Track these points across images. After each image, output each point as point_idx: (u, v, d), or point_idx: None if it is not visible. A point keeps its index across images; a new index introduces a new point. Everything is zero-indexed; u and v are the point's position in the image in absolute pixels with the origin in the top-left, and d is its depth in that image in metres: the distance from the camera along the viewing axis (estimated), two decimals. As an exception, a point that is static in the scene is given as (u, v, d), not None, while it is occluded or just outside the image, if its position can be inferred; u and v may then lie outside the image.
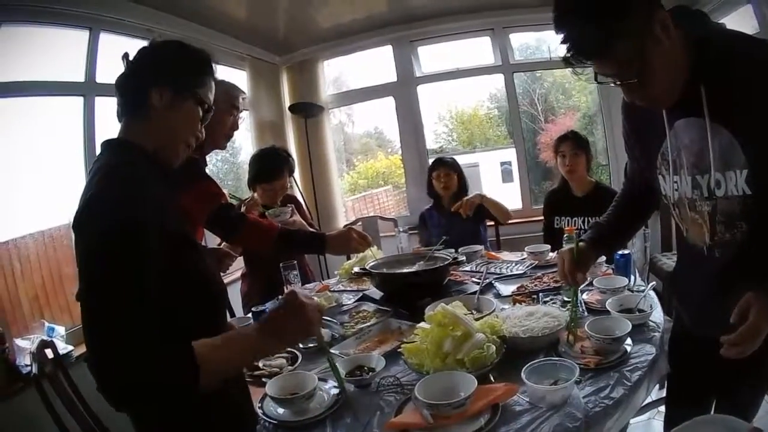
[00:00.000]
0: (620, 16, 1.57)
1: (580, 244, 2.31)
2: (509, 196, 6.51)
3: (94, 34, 4.29)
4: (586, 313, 2.61)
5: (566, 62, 1.71)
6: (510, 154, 7.04)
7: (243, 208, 3.88)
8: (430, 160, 6.41)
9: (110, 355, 1.33)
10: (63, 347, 3.43)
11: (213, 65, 1.85)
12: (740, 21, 4.85)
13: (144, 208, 1.48)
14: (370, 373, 2.21)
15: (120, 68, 1.76)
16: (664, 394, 3.07)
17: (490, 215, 4.81)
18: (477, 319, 2.37)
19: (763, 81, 1.60)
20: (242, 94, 3.29)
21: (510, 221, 4.88)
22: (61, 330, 3.73)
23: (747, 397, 2.14)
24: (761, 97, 1.61)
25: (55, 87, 4.12)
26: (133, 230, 1.42)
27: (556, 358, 2.11)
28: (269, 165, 4.38)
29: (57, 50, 4.21)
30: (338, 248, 3.38)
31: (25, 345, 3.42)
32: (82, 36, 4.27)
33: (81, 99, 4.26)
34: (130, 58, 1.75)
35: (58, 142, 4.22)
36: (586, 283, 2.92)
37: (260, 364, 2.45)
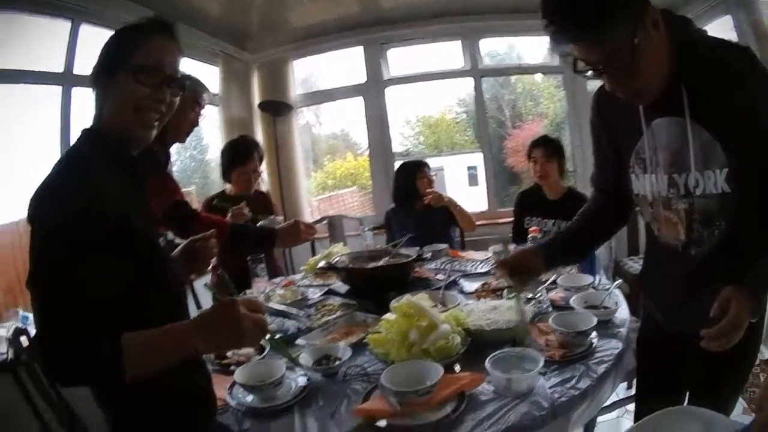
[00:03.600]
0: (614, 2, 1.59)
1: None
2: (475, 199, 6.55)
3: (75, 25, 4.30)
4: (551, 310, 2.64)
5: (553, 47, 1.72)
6: (476, 159, 7.07)
7: (229, 216, 3.87)
8: (396, 163, 6.44)
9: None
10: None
11: (162, 24, 1.74)
12: (719, 30, 4.97)
13: (91, 199, 1.47)
14: (337, 362, 2.22)
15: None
16: (631, 393, 3.12)
17: (456, 222, 4.85)
18: (442, 312, 2.38)
19: (742, 83, 1.65)
20: (206, 92, 3.31)
21: (473, 227, 4.89)
22: (35, 319, 3.68)
23: (723, 395, 2.09)
24: (741, 98, 1.65)
25: (34, 76, 4.12)
26: (75, 220, 1.43)
27: (520, 348, 2.12)
28: (241, 149, 4.48)
29: (38, 40, 4.20)
30: (288, 240, 3.35)
31: (0, 333, 3.38)
32: (63, 26, 4.26)
33: (59, 89, 4.25)
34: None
35: (34, 132, 4.19)
36: (550, 281, 2.96)
37: (228, 354, 2.45)
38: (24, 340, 2.36)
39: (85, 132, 1.68)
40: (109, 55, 1.69)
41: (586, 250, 2.60)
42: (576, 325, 2.24)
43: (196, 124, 3.18)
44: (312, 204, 7.48)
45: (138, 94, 1.66)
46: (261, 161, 4.56)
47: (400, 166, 5.10)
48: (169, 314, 1.64)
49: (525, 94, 8.40)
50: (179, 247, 2.18)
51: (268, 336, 1.75)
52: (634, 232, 5.24)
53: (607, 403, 2.74)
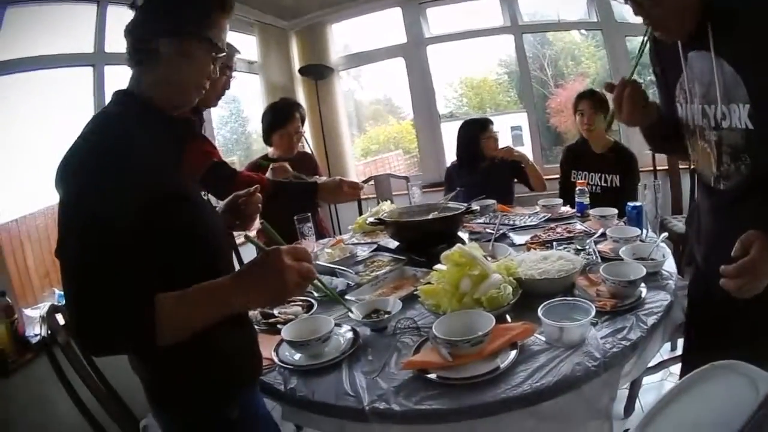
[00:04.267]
0: None
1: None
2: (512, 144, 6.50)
3: (101, 8, 4.30)
4: (600, 261, 2.61)
5: None
6: (521, 119, 7.01)
7: (270, 171, 3.84)
8: (443, 125, 6.38)
9: (78, 305, 1.35)
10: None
11: (227, 2, 1.75)
12: None
13: (120, 162, 1.44)
14: (386, 316, 2.21)
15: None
16: (675, 354, 3.08)
17: (524, 179, 4.82)
18: (493, 263, 2.36)
19: (765, 21, 1.64)
20: (237, 53, 3.27)
21: (544, 186, 4.82)
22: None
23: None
24: (763, 35, 1.64)
25: (65, 59, 4.13)
26: (110, 180, 1.41)
27: (572, 299, 2.10)
28: (281, 109, 4.44)
29: (65, 26, 4.22)
30: (329, 197, 3.32)
31: (34, 315, 3.42)
32: (90, 10, 4.27)
33: (91, 69, 4.27)
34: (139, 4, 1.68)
35: (69, 116, 4.18)
36: (599, 234, 2.93)
37: (276, 312, 2.46)
38: (60, 318, 2.37)
39: (120, 93, 1.66)
40: (179, 19, 1.66)
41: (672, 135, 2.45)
42: (626, 275, 2.23)
43: (227, 87, 3.16)
44: (357, 169, 7.44)
45: (208, 68, 1.72)
46: (303, 121, 4.51)
47: (464, 124, 5.00)
48: (214, 270, 1.58)
49: (565, 53, 8.29)
50: (223, 203, 2.17)
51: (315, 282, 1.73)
52: (678, 192, 5.20)
53: (652, 363, 2.70)
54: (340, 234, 4.60)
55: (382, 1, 6.66)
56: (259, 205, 2.19)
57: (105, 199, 1.38)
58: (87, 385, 2.16)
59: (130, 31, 1.67)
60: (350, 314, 2.23)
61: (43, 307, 2.29)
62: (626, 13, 6.14)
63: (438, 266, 2.33)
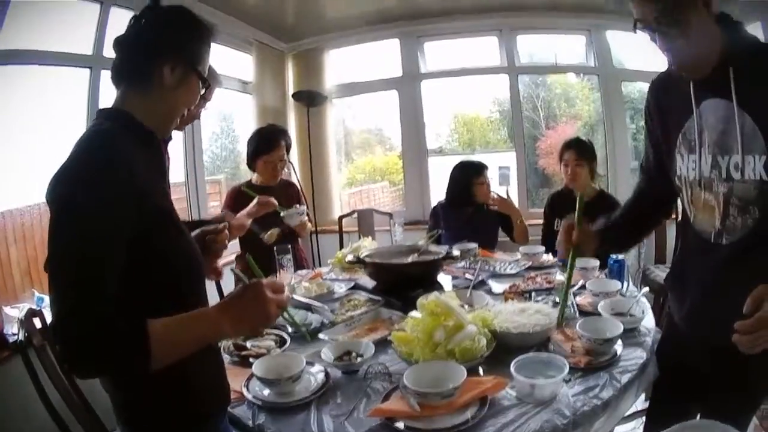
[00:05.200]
0: None
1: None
2: (509, 193, 6.50)
3: (105, 8, 4.28)
4: (577, 315, 2.61)
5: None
6: (509, 158, 7.01)
7: (255, 202, 3.81)
8: (430, 158, 6.39)
9: (64, 326, 1.32)
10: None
11: (214, 33, 1.76)
12: None
13: (117, 176, 1.43)
14: (359, 359, 2.20)
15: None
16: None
17: (509, 231, 4.81)
18: (469, 312, 2.36)
19: None
20: (219, 86, 3.26)
21: (526, 242, 4.73)
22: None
23: (734, 413, 2.00)
24: None
25: (63, 57, 4.09)
26: (101, 197, 1.39)
27: (546, 354, 2.10)
28: (267, 136, 4.41)
29: (67, 22, 4.19)
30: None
31: (13, 313, 3.40)
32: (93, 9, 4.25)
33: (87, 71, 4.25)
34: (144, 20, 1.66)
35: (61, 114, 4.18)
36: (579, 286, 2.92)
37: (248, 345, 2.44)
38: (37, 322, 2.35)
39: (106, 112, 1.64)
40: (184, 47, 1.66)
41: (634, 237, 2.63)
42: (603, 332, 2.22)
43: (198, 117, 3.12)
44: (342, 198, 7.45)
45: (196, 100, 1.75)
46: (288, 149, 4.47)
47: (459, 165, 4.96)
48: (193, 295, 1.66)
49: (560, 94, 8.33)
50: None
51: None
52: (662, 240, 5.21)
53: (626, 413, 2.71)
54: (320, 266, 4.61)
55: (381, 31, 6.68)
56: (226, 242, 2.18)
57: (96, 218, 1.37)
58: (59, 393, 2.17)
59: (124, 46, 1.66)
60: (322, 355, 2.22)
61: (23, 309, 2.29)
62: (624, 59, 6.27)
63: (413, 313, 2.32)
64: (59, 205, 1.41)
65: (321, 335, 2.52)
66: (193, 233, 2.09)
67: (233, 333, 1.70)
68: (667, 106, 2.10)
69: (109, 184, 1.41)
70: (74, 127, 4.14)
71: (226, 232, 2.18)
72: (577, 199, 2.36)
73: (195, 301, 1.63)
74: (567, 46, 7.09)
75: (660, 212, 2.43)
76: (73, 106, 4.22)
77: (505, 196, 4.68)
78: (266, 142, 4.35)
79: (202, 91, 1.76)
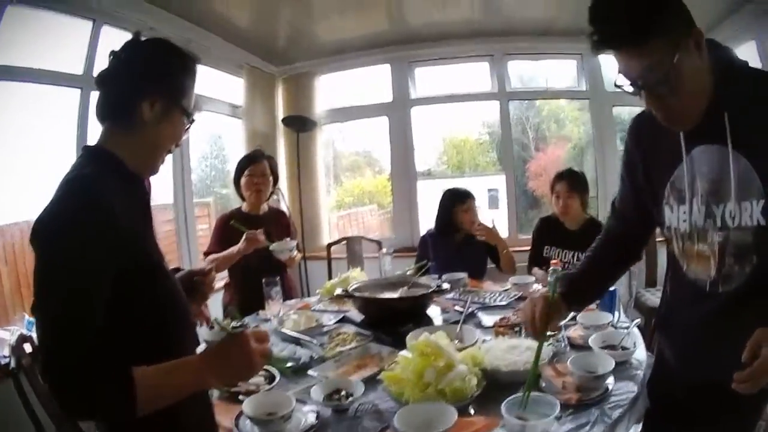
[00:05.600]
0: (661, 11, 1.60)
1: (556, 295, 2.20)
2: (495, 223, 6.51)
3: (96, 26, 4.29)
4: (568, 349, 2.60)
5: (595, 49, 1.72)
6: (498, 181, 7.03)
7: (243, 240, 3.88)
8: (419, 183, 6.39)
9: (54, 372, 1.34)
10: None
11: (198, 66, 1.76)
12: (744, 56, 5.00)
13: (99, 217, 1.43)
14: (349, 398, 2.18)
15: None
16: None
17: (496, 261, 4.79)
18: (459, 350, 2.36)
19: None
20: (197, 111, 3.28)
21: (514, 272, 4.68)
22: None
23: None
24: None
25: (53, 76, 4.09)
26: (84, 236, 1.40)
27: (537, 393, 2.07)
28: (251, 153, 4.55)
29: (59, 39, 4.20)
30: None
31: (4, 336, 3.36)
32: (84, 27, 4.26)
33: (78, 91, 4.24)
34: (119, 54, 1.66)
35: (52, 132, 4.19)
36: (569, 318, 2.91)
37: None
38: (27, 347, 2.35)
39: (90, 150, 1.64)
40: (165, 83, 1.66)
41: (603, 289, 2.60)
42: (594, 368, 2.22)
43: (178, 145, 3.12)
44: (331, 222, 7.44)
45: (181, 136, 1.74)
46: (273, 172, 4.49)
47: (445, 192, 4.94)
48: (180, 339, 1.67)
49: (550, 116, 8.36)
50: (177, 276, 2.15)
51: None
52: (653, 264, 5.23)
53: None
54: (308, 295, 4.59)
55: (372, 56, 6.71)
56: (213, 285, 2.17)
57: (80, 266, 1.38)
58: (50, 418, 2.19)
59: (105, 82, 1.65)
60: (311, 394, 2.20)
61: (14, 332, 2.29)
62: (616, 82, 6.17)
63: (404, 352, 2.31)
64: (43, 246, 1.42)
65: (310, 371, 2.50)
66: (179, 274, 2.08)
67: (217, 384, 1.71)
68: (652, 151, 2.02)
69: (91, 224, 1.41)
70: (63, 146, 4.13)
71: (214, 273, 2.17)
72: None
73: (181, 349, 1.61)
74: (558, 70, 7.13)
75: (630, 255, 2.37)
76: (64, 124, 4.21)
77: (491, 225, 4.68)
78: (249, 157, 4.45)
79: (188, 126, 1.76)
